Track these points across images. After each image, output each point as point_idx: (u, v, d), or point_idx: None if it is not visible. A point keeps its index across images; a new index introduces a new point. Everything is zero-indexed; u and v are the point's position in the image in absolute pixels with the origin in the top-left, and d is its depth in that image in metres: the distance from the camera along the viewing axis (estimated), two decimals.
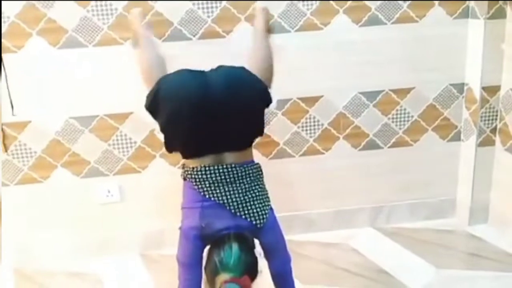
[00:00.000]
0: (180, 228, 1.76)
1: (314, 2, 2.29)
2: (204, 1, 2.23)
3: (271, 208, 1.78)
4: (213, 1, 2.24)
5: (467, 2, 2.39)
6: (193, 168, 1.74)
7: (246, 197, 1.72)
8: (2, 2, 2.11)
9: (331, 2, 2.30)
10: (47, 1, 2.14)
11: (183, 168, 1.81)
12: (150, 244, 2.49)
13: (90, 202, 2.42)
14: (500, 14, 2.32)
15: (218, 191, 1.71)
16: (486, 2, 2.29)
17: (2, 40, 2.16)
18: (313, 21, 2.32)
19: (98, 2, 2.17)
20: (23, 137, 2.30)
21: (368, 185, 2.62)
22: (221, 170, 1.71)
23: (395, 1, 2.33)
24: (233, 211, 1.69)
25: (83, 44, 2.22)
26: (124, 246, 2.46)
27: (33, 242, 2.43)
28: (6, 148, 2.29)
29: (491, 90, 2.44)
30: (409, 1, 2.34)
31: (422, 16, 2.38)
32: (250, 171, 1.76)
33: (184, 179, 1.80)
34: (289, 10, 2.29)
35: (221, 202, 1.70)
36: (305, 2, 2.28)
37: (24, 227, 2.39)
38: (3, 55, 2.16)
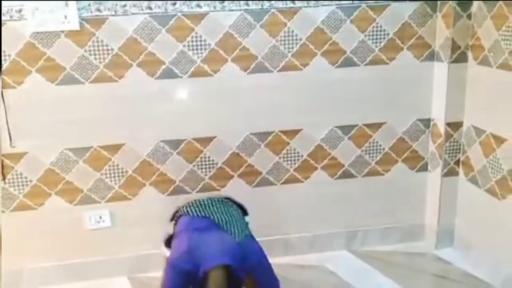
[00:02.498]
0: (167, 258, 1.84)
1: (294, 45, 2.42)
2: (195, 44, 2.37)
3: (252, 236, 1.88)
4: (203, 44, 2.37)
5: (432, 47, 2.54)
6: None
7: (229, 217, 1.88)
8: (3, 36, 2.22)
9: (310, 45, 2.44)
10: (46, 41, 2.25)
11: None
12: (138, 267, 2.56)
13: (82, 228, 2.50)
14: (462, 58, 2.46)
15: (206, 210, 1.89)
16: (450, 47, 2.44)
17: (3, 77, 2.25)
18: (293, 62, 2.45)
19: (95, 43, 2.29)
20: (19, 167, 2.38)
21: (344, 211, 2.72)
22: (207, 200, 1.92)
23: (368, 45, 2.48)
24: (220, 223, 1.83)
25: (80, 81, 2.32)
26: (113, 270, 2.54)
27: (25, 266, 2.49)
28: (4, 177, 2.38)
29: (455, 125, 2.56)
30: (380, 46, 2.50)
31: (392, 58, 2.51)
32: (233, 206, 1.94)
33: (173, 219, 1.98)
34: (271, 52, 2.42)
35: (209, 216, 1.86)
36: (286, 46, 2.42)
37: (17, 252, 2.44)
38: (3, 90, 2.27)
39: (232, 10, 2.35)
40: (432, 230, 2.76)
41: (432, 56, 2.56)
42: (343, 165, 2.66)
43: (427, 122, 2.67)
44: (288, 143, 2.58)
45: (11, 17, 2.21)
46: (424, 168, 2.74)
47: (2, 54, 2.24)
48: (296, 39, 2.43)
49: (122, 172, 2.49)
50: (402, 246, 2.78)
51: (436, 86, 2.58)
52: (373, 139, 2.65)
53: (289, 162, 2.61)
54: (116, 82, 2.36)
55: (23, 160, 2.39)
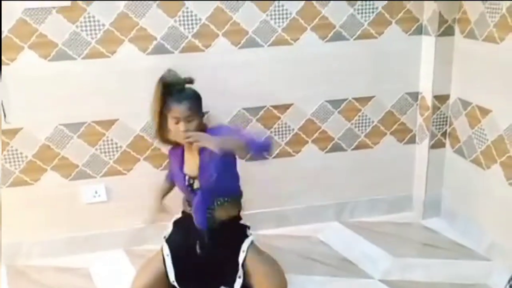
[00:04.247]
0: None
1: (284, 20, 2.45)
2: (185, 18, 2.39)
3: None
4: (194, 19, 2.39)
5: (420, 20, 2.57)
6: None
7: None
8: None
9: (300, 20, 2.47)
10: (38, 17, 2.26)
11: None
12: (134, 240, 2.61)
13: (78, 202, 2.55)
14: (449, 32, 2.50)
15: None
16: (437, 21, 2.47)
17: None
18: (283, 37, 2.47)
19: (87, 18, 2.30)
20: (15, 143, 2.41)
21: (334, 183, 2.78)
22: None
23: (357, 20, 2.51)
24: None
25: (72, 57, 2.33)
26: (110, 243, 2.59)
27: (24, 240, 2.54)
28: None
29: (442, 98, 2.62)
30: (369, 20, 2.52)
31: (380, 33, 2.55)
32: None
33: None
34: (262, 27, 2.44)
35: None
36: (276, 21, 2.45)
37: (15, 226, 2.48)
38: None
39: None
40: (420, 200, 2.83)
41: (420, 30, 2.59)
42: (333, 139, 2.71)
43: (415, 95, 2.71)
44: (279, 118, 2.62)
45: None
46: (412, 140, 2.80)
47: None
48: (287, 14, 2.45)
49: (116, 147, 2.52)
50: (391, 217, 2.86)
51: (424, 60, 2.62)
52: (362, 113, 2.69)
53: (280, 136, 2.66)
54: (108, 58, 2.37)
55: (18, 136, 2.41)
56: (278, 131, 2.64)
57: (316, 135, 2.69)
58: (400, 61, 2.63)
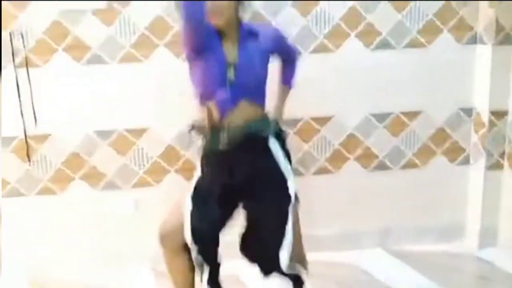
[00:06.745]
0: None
1: (326, 25, 2.36)
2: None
3: None
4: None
5: (475, 29, 2.44)
6: None
7: None
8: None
9: (343, 26, 2.37)
10: (73, 19, 2.24)
11: None
12: (161, 257, 2.52)
13: (105, 214, 2.47)
14: (507, 41, 2.37)
15: None
16: (494, 28, 2.35)
17: (29, 55, 2.25)
18: (325, 44, 2.39)
19: (122, 22, 2.27)
20: (43, 149, 2.38)
21: (378, 205, 2.63)
22: None
23: (405, 27, 2.39)
24: None
25: (106, 61, 2.31)
26: (136, 259, 2.48)
27: (49, 252, 2.47)
28: (29, 159, 2.36)
29: (499, 114, 2.48)
30: (419, 27, 2.41)
31: (431, 41, 2.44)
32: None
33: None
34: (302, 33, 2.36)
35: None
36: (318, 26, 2.36)
37: (40, 237, 2.43)
38: (29, 69, 2.27)
39: None
40: (474, 228, 2.66)
41: (474, 39, 2.48)
42: (377, 156, 2.58)
43: (468, 111, 2.57)
44: (319, 131, 2.50)
45: None
46: (466, 161, 2.64)
47: (30, 31, 2.24)
48: (329, 19, 2.37)
49: (146, 158, 2.44)
50: (441, 246, 2.70)
51: (478, 72, 2.49)
52: (410, 129, 2.56)
53: (319, 151, 2.54)
54: (141, 63, 2.33)
55: (47, 142, 2.37)
56: (317, 145, 2.53)
57: (358, 151, 2.56)
58: (452, 73, 2.51)
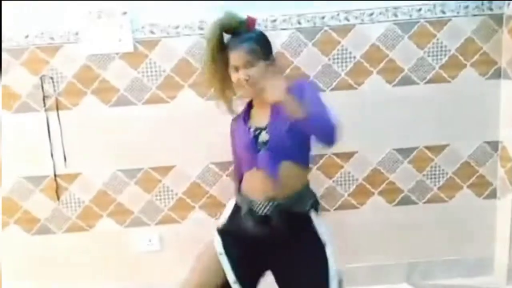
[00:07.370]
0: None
1: (348, 63, 2.34)
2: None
3: None
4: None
5: (499, 63, 2.38)
6: None
7: None
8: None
9: (365, 63, 2.35)
10: (101, 63, 2.30)
11: None
12: None
13: (131, 250, 2.49)
14: None
15: None
16: None
17: (59, 98, 2.32)
18: (347, 81, 2.36)
19: (148, 64, 2.32)
20: (73, 188, 2.42)
21: (403, 240, 2.55)
22: None
23: (427, 62, 2.36)
24: None
25: (133, 102, 2.35)
26: None
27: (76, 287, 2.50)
28: (58, 198, 2.42)
29: None
30: (441, 63, 2.37)
31: (454, 76, 2.38)
32: None
33: None
34: (324, 71, 2.35)
35: None
36: (339, 64, 2.35)
37: (68, 274, 2.47)
38: (59, 111, 2.33)
39: (284, 29, 2.30)
40: (503, 264, 2.54)
41: (498, 73, 2.40)
42: (403, 191, 2.51)
43: (495, 145, 2.48)
44: (342, 166, 2.47)
45: (68, 39, 2.27)
46: (493, 195, 2.54)
47: (60, 76, 2.30)
48: (350, 57, 2.35)
49: (172, 195, 2.46)
50: (469, 281, 2.58)
51: (504, 105, 2.41)
52: (435, 163, 2.49)
53: (343, 186, 2.49)
54: (167, 103, 2.35)
55: (77, 181, 2.42)
56: (341, 180, 2.49)
57: (383, 186, 2.50)
58: (477, 107, 2.43)
